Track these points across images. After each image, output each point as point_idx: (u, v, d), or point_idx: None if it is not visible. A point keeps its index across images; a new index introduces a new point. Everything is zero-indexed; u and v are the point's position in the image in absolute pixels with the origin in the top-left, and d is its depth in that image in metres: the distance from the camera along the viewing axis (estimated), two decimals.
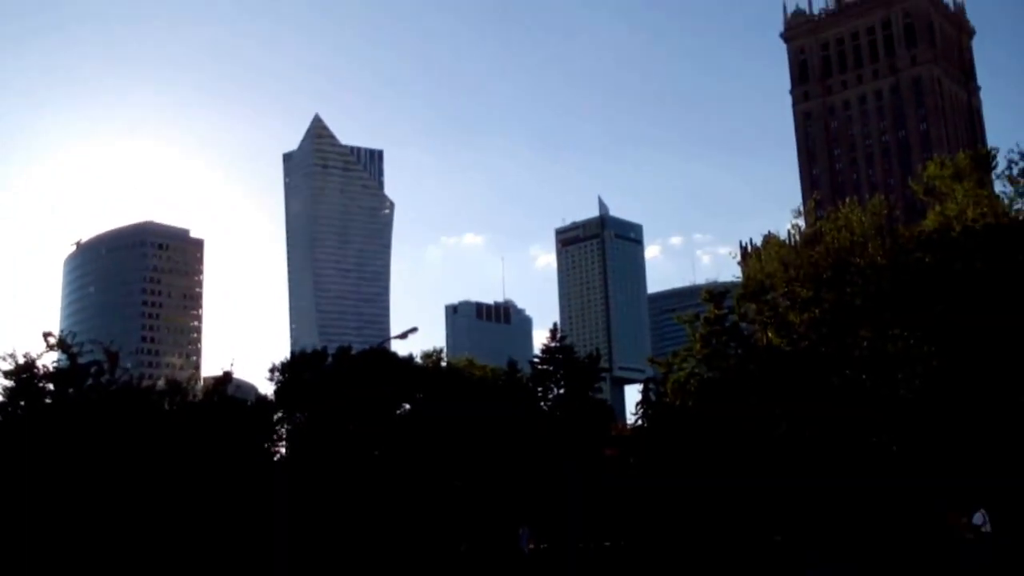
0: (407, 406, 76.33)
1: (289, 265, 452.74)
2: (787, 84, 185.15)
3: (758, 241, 79.51)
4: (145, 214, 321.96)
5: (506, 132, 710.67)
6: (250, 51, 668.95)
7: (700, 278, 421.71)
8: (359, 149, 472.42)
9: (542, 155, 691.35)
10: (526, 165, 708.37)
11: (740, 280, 72.63)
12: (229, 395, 74.34)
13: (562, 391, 75.93)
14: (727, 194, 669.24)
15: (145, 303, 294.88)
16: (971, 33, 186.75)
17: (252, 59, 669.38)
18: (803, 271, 61.75)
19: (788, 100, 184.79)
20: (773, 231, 71.02)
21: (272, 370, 78.05)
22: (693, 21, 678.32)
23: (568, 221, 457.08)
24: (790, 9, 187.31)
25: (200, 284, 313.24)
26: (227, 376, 75.65)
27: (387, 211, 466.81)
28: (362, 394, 67.12)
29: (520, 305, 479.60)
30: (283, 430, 76.28)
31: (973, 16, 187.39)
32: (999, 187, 61.12)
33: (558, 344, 78.63)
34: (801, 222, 70.55)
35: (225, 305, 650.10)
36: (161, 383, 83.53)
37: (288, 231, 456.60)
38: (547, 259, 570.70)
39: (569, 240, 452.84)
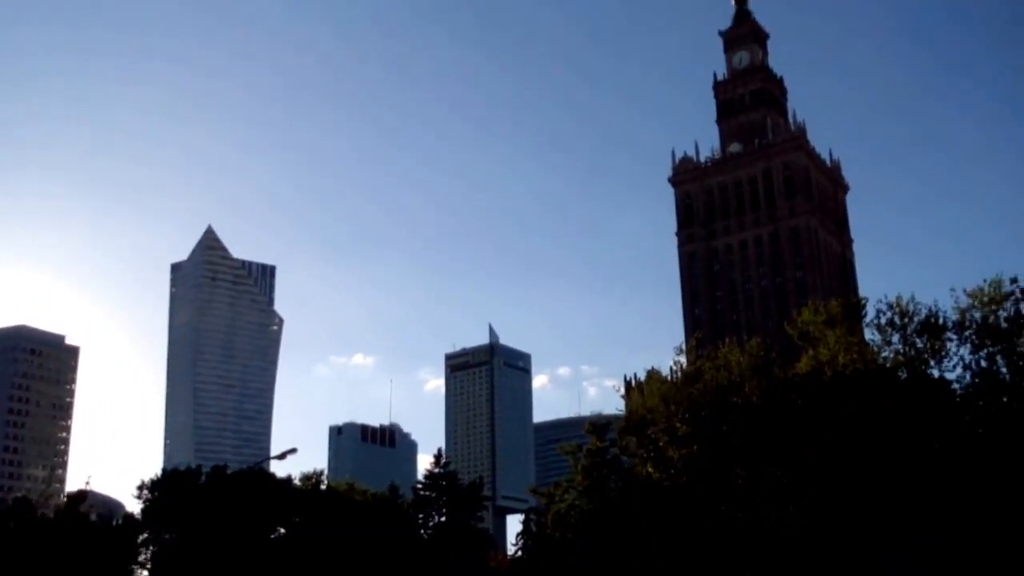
0: (282, 530, 73.96)
1: (168, 378, 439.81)
2: (674, 225, 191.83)
3: (643, 375, 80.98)
4: (19, 318, 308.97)
5: (402, 254, 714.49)
6: (144, 157, 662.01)
7: (586, 409, 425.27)
8: (251, 263, 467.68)
9: (436, 279, 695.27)
10: (420, 288, 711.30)
11: (623, 413, 73.57)
12: (84, 514, 70.47)
13: (443, 518, 74.83)
14: (615, 328, 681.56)
15: (11, 411, 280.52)
16: (845, 189, 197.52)
17: (145, 166, 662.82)
18: (683, 407, 63.03)
19: (674, 241, 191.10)
20: (657, 366, 72.60)
21: (141, 488, 74.88)
22: (589, 157, 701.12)
23: (459, 346, 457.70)
24: (678, 155, 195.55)
25: (72, 393, 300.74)
26: (82, 494, 72.03)
27: (275, 327, 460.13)
28: (236, 517, 64.84)
29: (406, 429, 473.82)
30: (149, 552, 72.65)
31: (847, 173, 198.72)
32: (869, 335, 63.92)
33: (442, 470, 77.98)
34: (683, 359, 72.30)
35: (98, 417, 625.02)
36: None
37: (170, 343, 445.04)
38: (436, 383, 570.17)
39: (458, 366, 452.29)
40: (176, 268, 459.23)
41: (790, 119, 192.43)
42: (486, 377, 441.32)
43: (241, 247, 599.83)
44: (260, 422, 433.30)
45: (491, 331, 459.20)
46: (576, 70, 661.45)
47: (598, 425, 70.56)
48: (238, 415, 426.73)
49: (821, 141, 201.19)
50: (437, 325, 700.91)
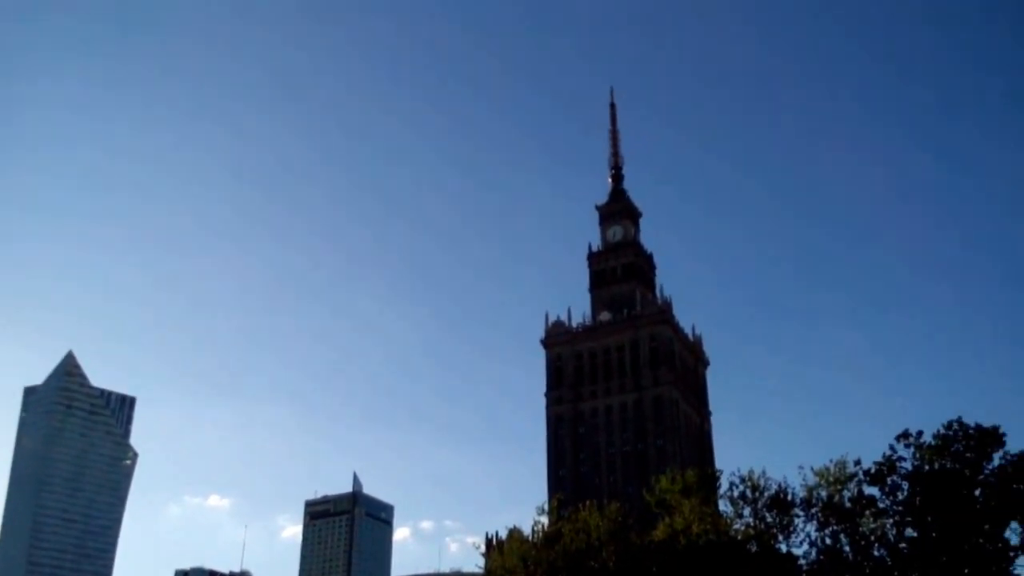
0: None
1: (7, 507, 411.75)
2: (543, 387, 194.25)
3: (505, 533, 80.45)
4: None
5: (270, 393, 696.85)
6: (8, 276, 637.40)
7: (447, 565, 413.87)
8: (110, 393, 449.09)
9: (302, 423, 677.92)
10: (284, 431, 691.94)
11: (483, 572, 72.72)
12: None
13: None
14: (482, 484, 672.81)
15: None
16: (706, 363, 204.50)
17: (9, 284, 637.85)
18: (541, 569, 62.88)
19: (543, 401, 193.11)
20: (519, 525, 72.46)
21: None
22: (469, 311, 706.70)
23: (320, 494, 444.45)
24: (552, 318, 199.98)
25: None
26: None
27: (129, 462, 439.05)
28: None
29: None
30: None
31: (708, 348, 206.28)
32: (722, 506, 65.63)
33: None
34: (545, 520, 72.43)
35: None
36: None
37: (13, 469, 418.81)
38: (294, 530, 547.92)
39: (318, 513, 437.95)
40: (30, 392, 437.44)
41: (657, 293, 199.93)
42: (346, 527, 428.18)
43: (101, 375, 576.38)
44: (102, 561, 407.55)
45: (355, 479, 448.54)
46: (466, 223, 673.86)
47: None
48: (78, 552, 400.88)
49: (685, 316, 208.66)
50: (300, 469, 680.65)
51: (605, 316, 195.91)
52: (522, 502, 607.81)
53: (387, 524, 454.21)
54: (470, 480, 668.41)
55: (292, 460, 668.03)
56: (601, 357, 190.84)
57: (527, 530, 71.34)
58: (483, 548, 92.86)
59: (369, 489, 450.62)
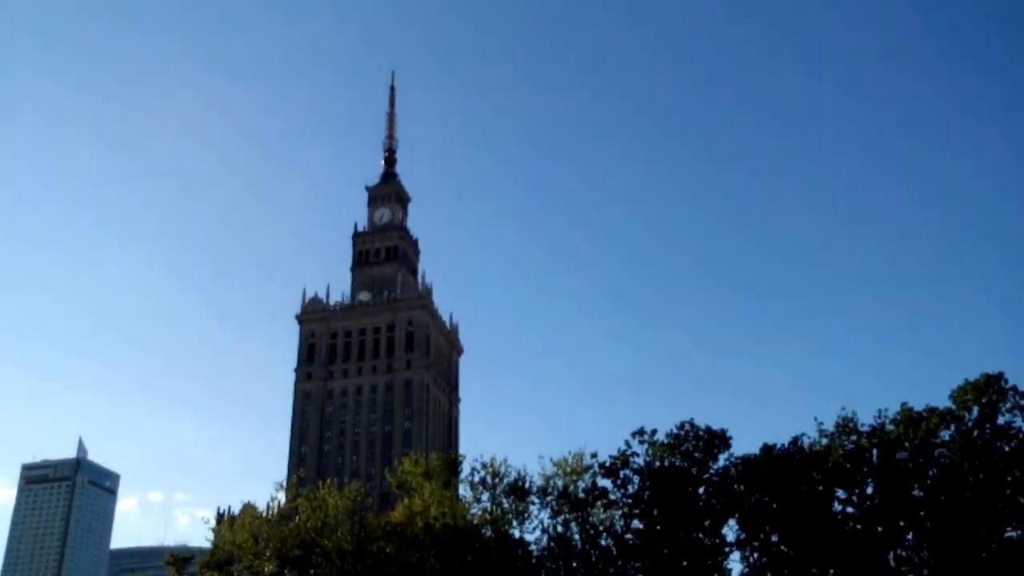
0: None
1: None
2: (294, 362, 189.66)
3: (239, 508, 77.15)
4: None
5: None
6: None
7: (173, 539, 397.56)
8: None
9: (27, 378, 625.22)
10: (7, 386, 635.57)
11: (211, 546, 69.38)
12: None
13: None
14: (219, 458, 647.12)
15: None
16: (460, 351, 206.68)
17: None
18: (272, 546, 60.51)
19: (292, 377, 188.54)
20: (255, 502, 69.54)
21: None
22: (216, 278, 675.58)
23: (40, 458, 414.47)
24: (309, 294, 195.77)
25: None
26: None
27: None
28: None
29: None
30: None
31: (464, 337, 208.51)
32: (463, 491, 65.66)
33: None
34: (282, 496, 69.98)
35: None
36: None
37: None
38: (7, 494, 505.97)
39: (36, 478, 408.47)
40: None
41: (419, 278, 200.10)
42: (66, 493, 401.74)
43: None
44: None
45: (80, 445, 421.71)
46: (231, 185, 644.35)
47: (179, 557, 65.92)
48: None
49: (444, 304, 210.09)
50: (20, 430, 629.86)
51: (364, 297, 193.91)
52: (262, 478, 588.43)
53: (111, 493, 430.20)
54: (208, 453, 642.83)
55: (13, 419, 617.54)
56: (356, 337, 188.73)
57: (263, 506, 68.65)
58: (213, 522, 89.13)
59: (98, 456, 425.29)
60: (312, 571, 59.06)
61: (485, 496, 62.64)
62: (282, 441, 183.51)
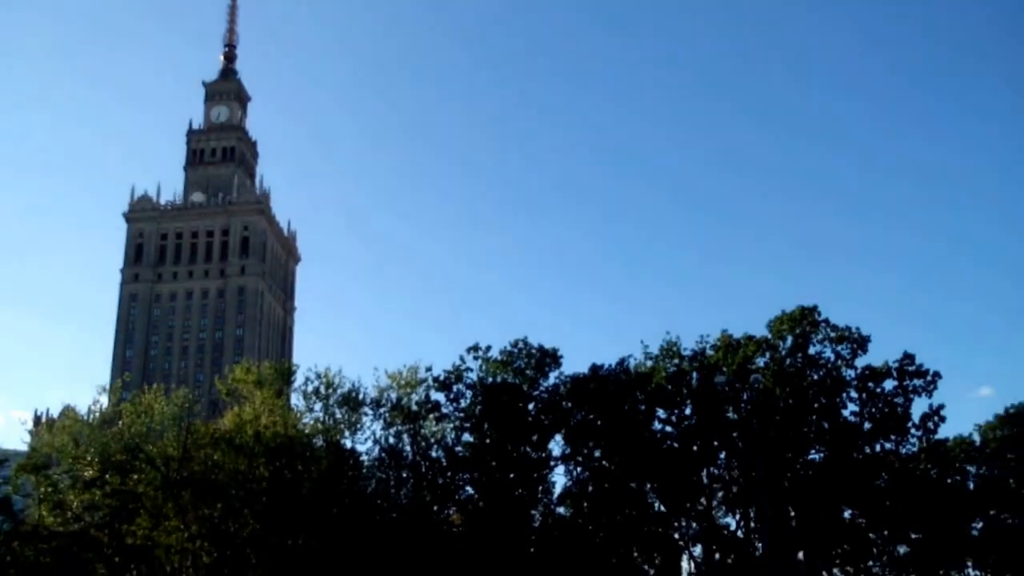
0: None
1: None
2: (120, 262, 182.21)
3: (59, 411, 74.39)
4: None
5: None
6: None
7: None
8: None
9: None
10: None
11: (27, 449, 66.89)
12: None
13: None
14: (36, 358, 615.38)
15: None
16: (298, 259, 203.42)
17: None
18: (94, 450, 58.78)
19: (118, 278, 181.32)
20: (76, 405, 67.19)
21: None
22: (44, 170, 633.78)
23: None
24: (138, 192, 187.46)
25: None
26: None
27: None
28: None
29: None
30: None
31: (303, 245, 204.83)
32: (295, 400, 65.38)
33: None
34: (105, 400, 67.83)
35: None
36: None
37: None
38: None
39: None
40: None
41: (257, 182, 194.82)
42: None
43: None
44: None
45: None
46: (59, 66, 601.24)
47: None
48: None
49: (283, 210, 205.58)
50: None
51: (198, 198, 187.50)
52: (83, 382, 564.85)
53: None
54: (25, 353, 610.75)
55: None
56: (188, 239, 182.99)
57: (84, 411, 66.40)
58: (31, 424, 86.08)
59: None
60: (135, 476, 57.81)
61: (318, 406, 62.55)
62: (106, 344, 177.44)
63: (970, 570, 66.41)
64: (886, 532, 62.32)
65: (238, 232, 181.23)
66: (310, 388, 62.55)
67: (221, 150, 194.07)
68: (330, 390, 61.95)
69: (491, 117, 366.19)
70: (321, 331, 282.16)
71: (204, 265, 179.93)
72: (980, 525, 66.20)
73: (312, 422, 62.52)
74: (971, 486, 66.75)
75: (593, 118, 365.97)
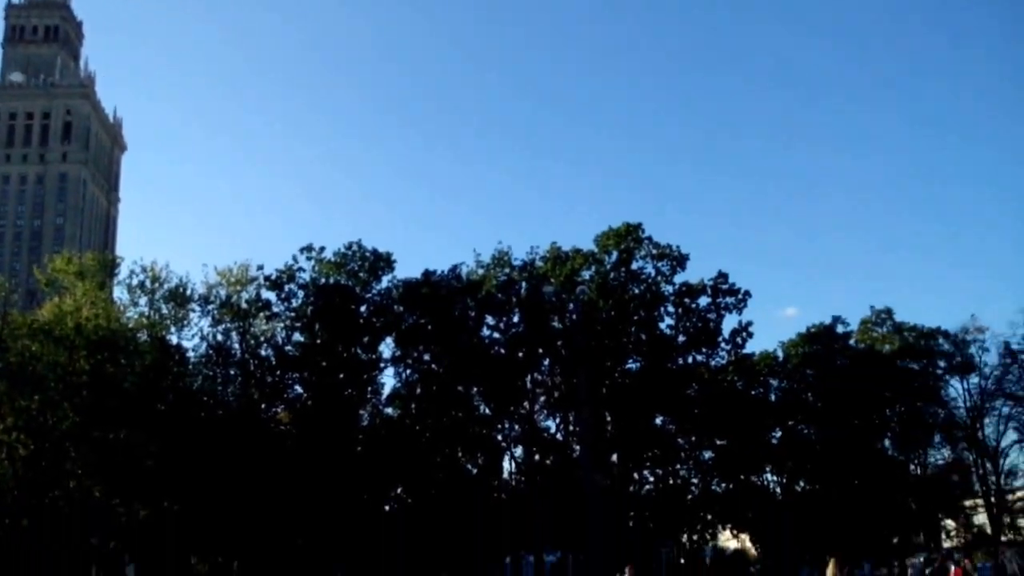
0: None
1: None
2: None
3: None
4: None
5: None
6: None
7: None
8: None
9: None
10: None
11: None
12: None
13: None
14: None
15: None
16: (123, 148, 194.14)
17: None
18: None
19: None
20: None
21: None
22: None
23: None
24: None
25: None
26: None
27: None
28: None
29: None
30: None
31: (130, 134, 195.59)
32: (119, 293, 63.86)
33: None
34: None
35: None
36: None
37: None
38: None
39: None
40: None
41: (82, 65, 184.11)
42: None
43: None
44: None
45: None
46: None
47: None
48: None
49: (109, 95, 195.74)
50: None
51: (17, 77, 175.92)
52: None
53: None
54: None
55: None
56: (5, 121, 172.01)
57: None
58: None
59: None
60: None
61: (143, 301, 61.38)
62: None
63: (768, 475, 71.81)
64: (694, 438, 66.68)
65: (60, 116, 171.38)
66: (135, 282, 61.28)
67: (44, 28, 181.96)
68: (156, 284, 60.85)
69: (347, 2, 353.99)
70: (149, 225, 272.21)
71: (23, 149, 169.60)
72: (779, 434, 71.82)
73: (137, 316, 61.39)
74: (772, 398, 72.25)
75: (443, 16, 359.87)
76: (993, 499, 72.71)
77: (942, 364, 73.49)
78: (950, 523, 77.40)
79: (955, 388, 74.06)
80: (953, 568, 42.00)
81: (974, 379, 73.90)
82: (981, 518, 76.76)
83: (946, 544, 79.99)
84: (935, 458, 76.31)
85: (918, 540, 76.08)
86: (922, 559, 41.39)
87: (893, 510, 71.05)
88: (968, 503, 77.51)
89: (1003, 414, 73.42)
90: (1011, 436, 73.32)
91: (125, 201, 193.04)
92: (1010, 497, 75.02)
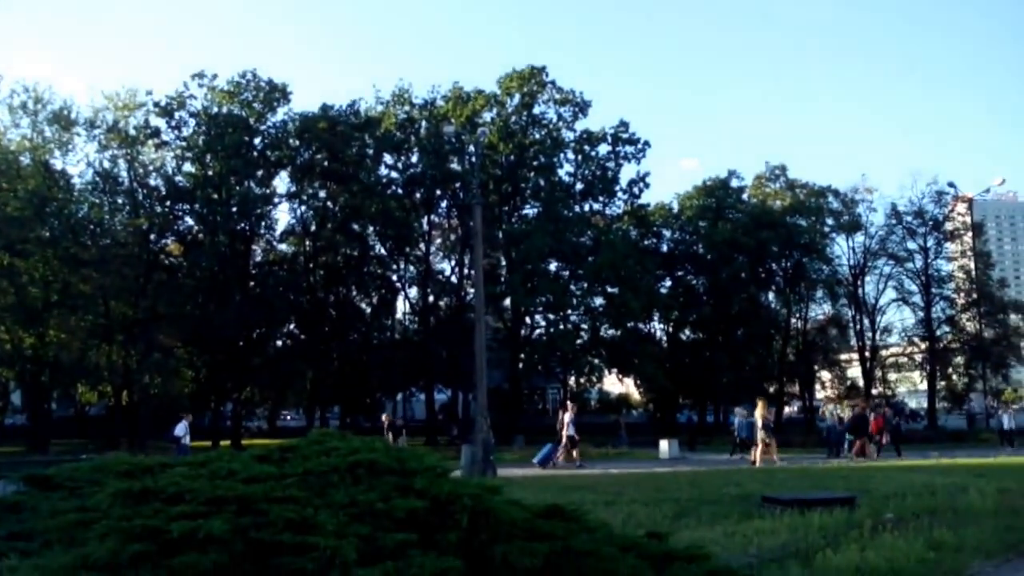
0: None
1: None
2: None
3: None
4: None
5: None
6: None
7: None
8: None
9: None
10: None
11: None
12: None
13: None
14: None
15: None
16: None
17: None
18: None
19: None
20: None
21: None
22: None
23: None
24: None
25: None
26: None
27: None
28: None
29: None
30: None
31: None
32: (0, 114, 61.74)
33: None
34: None
35: None
36: None
37: None
38: None
39: None
40: None
41: None
42: None
43: None
44: None
45: None
46: None
47: None
48: None
49: None
50: None
51: None
52: None
53: None
54: None
55: None
56: None
57: None
58: None
59: None
60: None
61: (25, 122, 59.43)
62: None
63: (655, 322, 74.52)
64: (586, 285, 68.57)
65: None
66: (16, 102, 59.20)
67: None
68: (39, 105, 58.88)
69: None
70: (30, 45, 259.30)
71: None
72: (669, 284, 74.42)
73: (19, 139, 59.61)
74: (664, 249, 74.55)
75: None
76: (868, 354, 77.23)
77: (830, 222, 76.44)
78: (825, 375, 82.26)
79: (840, 246, 77.59)
80: (873, 416, 45.15)
81: (859, 238, 77.62)
82: (855, 371, 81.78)
83: (820, 395, 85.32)
84: (816, 313, 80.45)
85: (793, 390, 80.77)
86: (745, 410, 44.13)
87: (773, 360, 75.19)
88: (844, 357, 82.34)
89: (884, 273, 77.55)
90: (890, 294, 77.67)
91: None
92: (884, 353, 79.82)
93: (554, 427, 41.70)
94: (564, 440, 38.11)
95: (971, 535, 14.07)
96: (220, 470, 8.79)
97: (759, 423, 38.22)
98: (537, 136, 67.07)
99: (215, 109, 61.88)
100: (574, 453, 38.26)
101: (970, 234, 77.12)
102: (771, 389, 75.76)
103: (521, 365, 67.12)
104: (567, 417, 38.65)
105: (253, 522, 7.42)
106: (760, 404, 38.98)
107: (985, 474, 25.70)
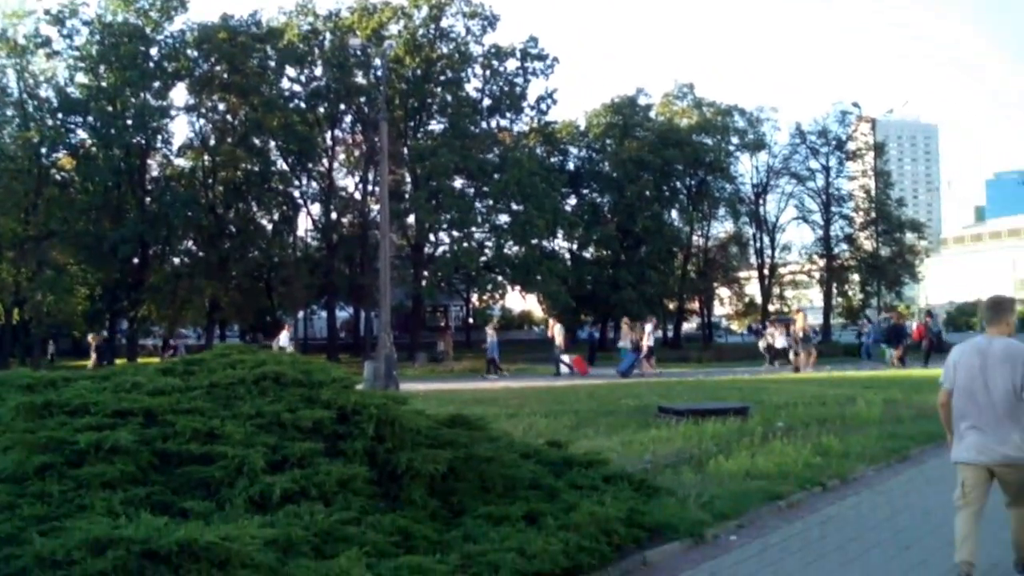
0: None
1: None
2: None
3: None
4: None
5: None
6: None
7: None
8: None
9: None
10: None
11: None
12: None
13: None
14: None
15: None
16: None
17: None
18: None
19: None
20: None
21: None
22: None
23: None
24: None
25: None
26: None
27: None
28: None
29: None
30: None
31: None
32: None
33: None
34: None
35: None
36: None
37: None
38: None
39: None
40: None
41: None
42: None
43: None
44: None
45: None
46: None
47: None
48: None
49: None
50: None
51: None
52: None
53: None
54: None
55: None
56: None
57: None
58: None
59: None
60: None
61: None
62: None
63: (560, 240, 78.78)
64: (491, 202, 72.36)
65: None
66: None
67: None
68: None
69: None
70: None
71: None
72: (574, 202, 78.91)
73: None
74: (571, 166, 78.93)
75: None
76: (767, 271, 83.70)
77: (735, 141, 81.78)
78: (724, 291, 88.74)
79: (744, 164, 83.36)
80: (915, 325, 52.41)
81: (763, 157, 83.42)
82: (752, 288, 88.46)
83: (719, 311, 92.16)
84: (718, 231, 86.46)
85: (693, 307, 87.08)
86: (649, 325, 48.74)
87: (675, 278, 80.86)
88: (743, 274, 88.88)
89: (786, 192, 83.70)
90: (791, 213, 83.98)
91: None
92: (782, 271, 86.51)
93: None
94: (645, 350, 44.46)
95: (856, 442, 16.36)
96: (124, 383, 9.29)
97: (799, 335, 44.82)
98: (445, 50, 69.71)
99: (109, 17, 62.67)
100: (650, 361, 44.86)
101: (872, 154, 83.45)
102: (671, 306, 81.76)
103: (424, 283, 70.28)
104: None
105: (160, 433, 8.05)
106: (799, 317, 46.44)
107: (872, 386, 28.79)
